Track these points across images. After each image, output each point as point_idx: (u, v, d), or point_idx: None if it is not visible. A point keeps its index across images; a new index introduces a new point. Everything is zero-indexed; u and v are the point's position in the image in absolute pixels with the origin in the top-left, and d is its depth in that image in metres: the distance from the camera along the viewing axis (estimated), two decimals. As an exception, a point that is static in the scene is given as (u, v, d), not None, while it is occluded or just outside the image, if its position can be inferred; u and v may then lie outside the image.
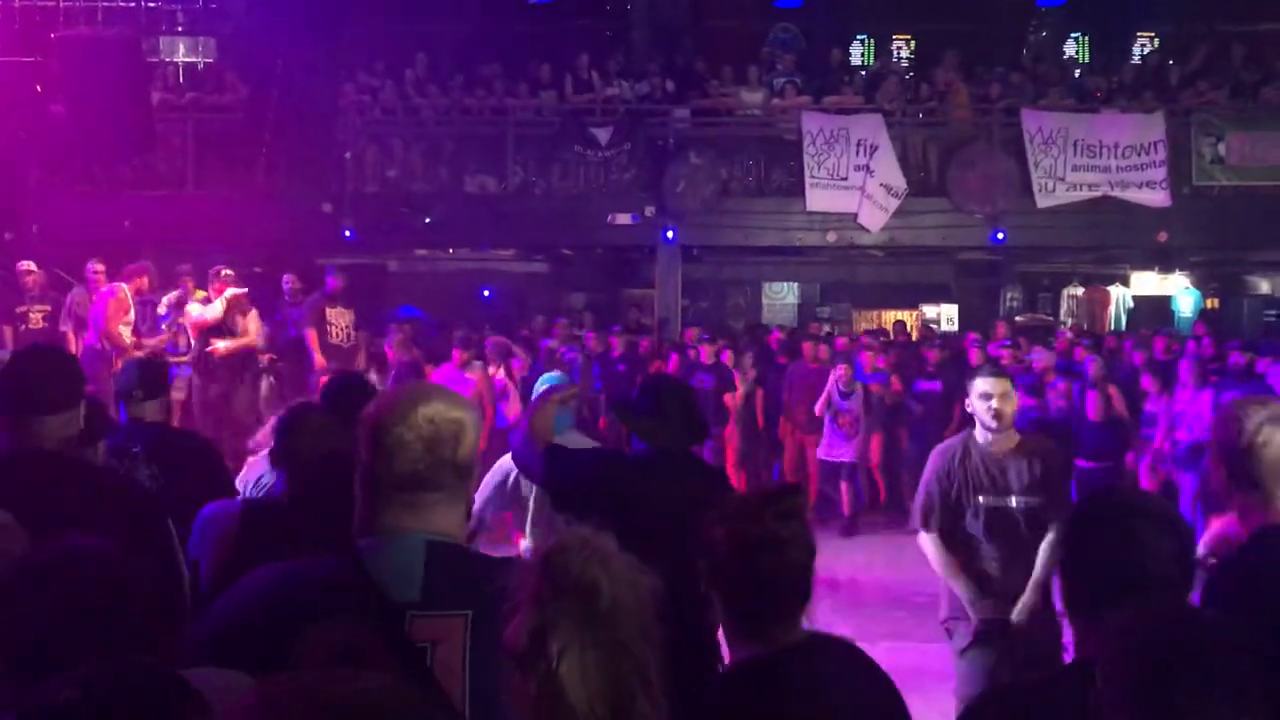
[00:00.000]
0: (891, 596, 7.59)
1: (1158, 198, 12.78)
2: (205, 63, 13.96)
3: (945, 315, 17.07)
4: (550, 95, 13.84)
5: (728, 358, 10.54)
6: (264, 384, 9.85)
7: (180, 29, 15.46)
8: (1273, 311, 14.36)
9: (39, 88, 13.40)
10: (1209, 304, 16.19)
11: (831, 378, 9.90)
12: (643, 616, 1.55)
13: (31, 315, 9.98)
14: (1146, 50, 16.71)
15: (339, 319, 9.85)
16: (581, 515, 3.02)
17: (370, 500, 1.88)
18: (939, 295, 17.36)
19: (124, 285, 8.89)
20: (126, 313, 8.79)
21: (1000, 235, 12.90)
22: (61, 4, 15.78)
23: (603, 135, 13.26)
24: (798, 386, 10.41)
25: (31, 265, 10.00)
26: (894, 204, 12.80)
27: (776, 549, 2.03)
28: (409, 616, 1.78)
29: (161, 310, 9.88)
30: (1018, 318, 15.19)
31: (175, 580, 2.75)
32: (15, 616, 1.75)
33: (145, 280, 9.11)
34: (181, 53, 14.44)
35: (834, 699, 1.99)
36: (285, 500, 3.09)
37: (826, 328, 14.25)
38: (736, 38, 16.59)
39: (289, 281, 10.50)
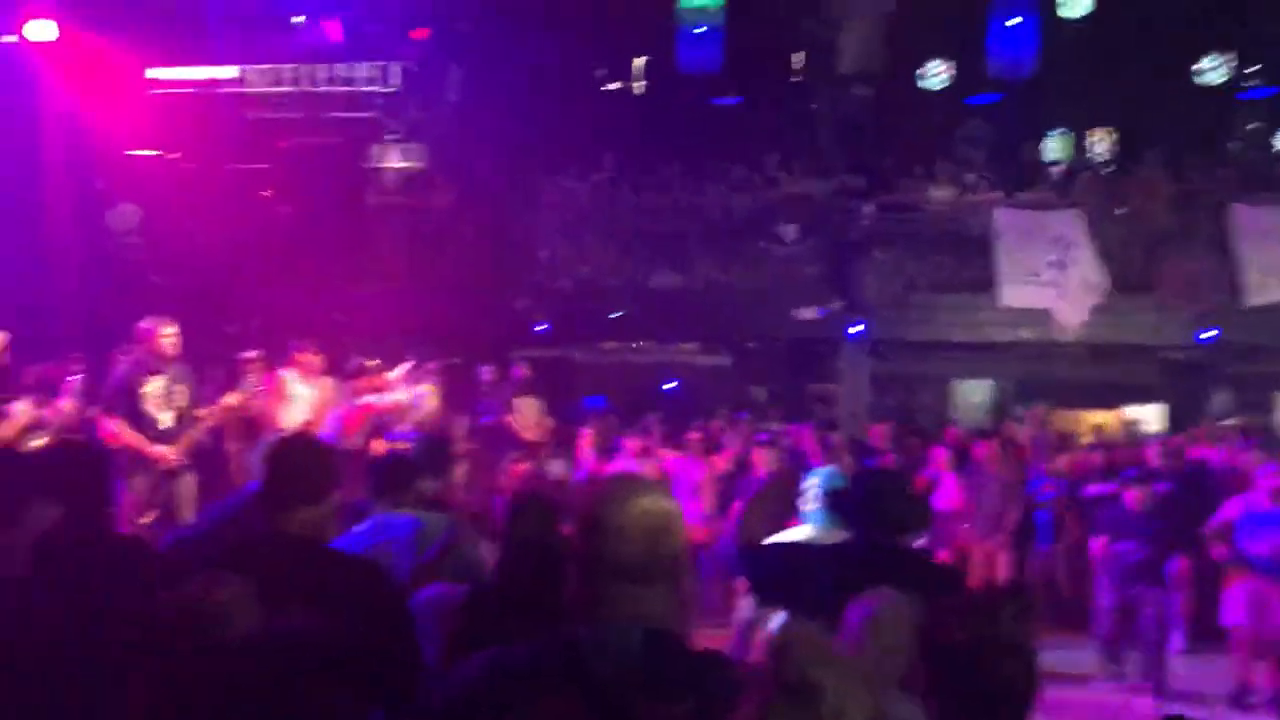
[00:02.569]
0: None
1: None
2: (416, 168, 14.92)
3: (1151, 416, 16.24)
4: (737, 195, 14.08)
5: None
6: (459, 469, 10.20)
7: (394, 137, 16.59)
8: None
9: (266, 192, 14.57)
10: None
11: None
12: None
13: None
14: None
15: (527, 409, 10.22)
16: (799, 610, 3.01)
17: (586, 588, 1.90)
18: (1144, 396, 16.55)
19: (283, 372, 8.81)
20: (282, 395, 8.67)
21: (1209, 334, 12.27)
22: (288, 116, 17.18)
23: (788, 231, 13.37)
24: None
25: (253, 356, 10.69)
26: (1093, 300, 12.38)
27: (1015, 654, 1.95)
28: (628, 705, 1.78)
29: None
30: (1230, 420, 14.31)
31: (408, 660, 2.78)
32: (228, 686, 1.91)
33: (309, 359, 8.97)
34: (394, 159, 15.48)
35: None
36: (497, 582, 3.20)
37: (1021, 428, 13.75)
38: (924, 135, 16.53)
39: (486, 373, 10.96)
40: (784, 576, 3.33)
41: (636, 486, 1.98)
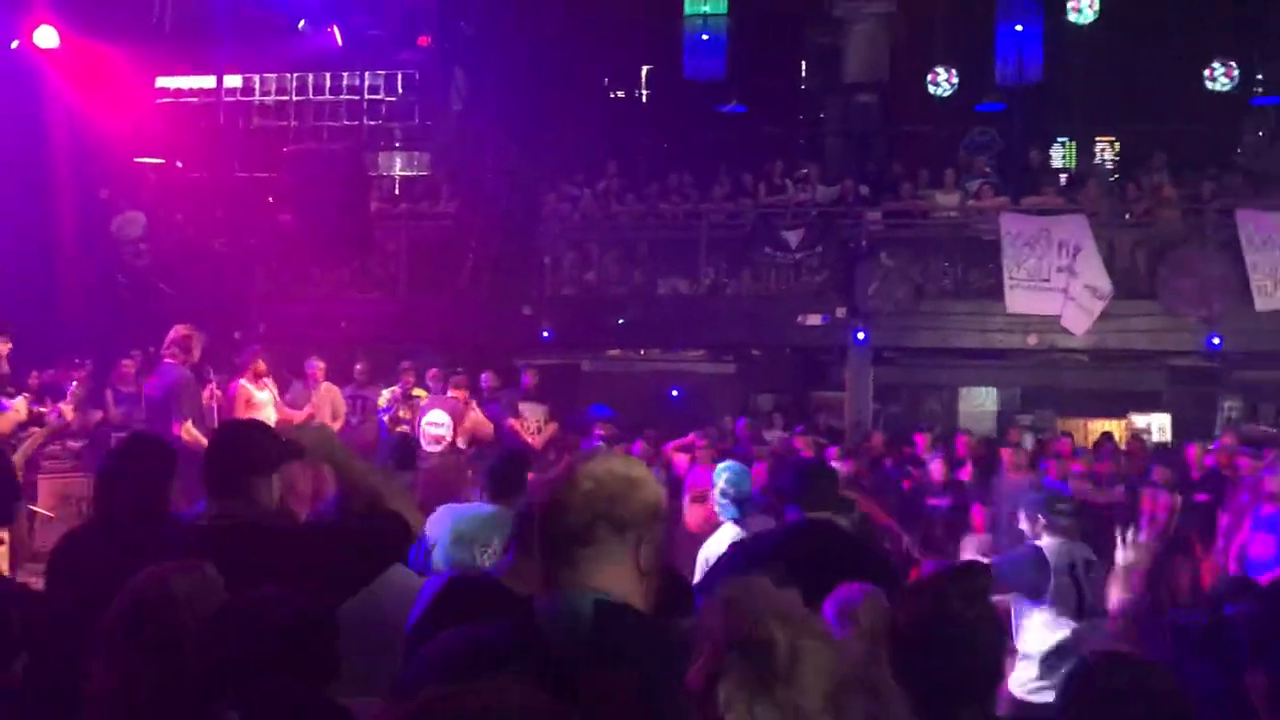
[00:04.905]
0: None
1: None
2: (420, 175, 14.95)
3: (1157, 425, 16.14)
4: (744, 201, 14.08)
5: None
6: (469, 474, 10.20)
7: (398, 144, 16.62)
8: None
9: (270, 199, 14.58)
10: None
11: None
12: (834, 684, 1.48)
13: (257, 408, 10.63)
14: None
15: (531, 414, 10.26)
16: None
17: (541, 559, 1.92)
18: (1150, 403, 16.47)
19: (242, 381, 8.88)
20: (247, 403, 8.74)
21: (1216, 340, 12.20)
22: (292, 124, 17.22)
23: (793, 238, 13.34)
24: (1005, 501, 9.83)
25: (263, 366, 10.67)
26: (1099, 306, 12.33)
27: (964, 630, 1.96)
28: (577, 675, 1.78)
29: (382, 404, 10.37)
30: (1240, 428, 14.22)
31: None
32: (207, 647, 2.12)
33: (260, 365, 9.02)
34: (398, 166, 15.52)
35: None
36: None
37: (1028, 436, 13.68)
38: (931, 142, 16.52)
39: (487, 379, 10.93)
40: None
41: (591, 456, 1.98)
